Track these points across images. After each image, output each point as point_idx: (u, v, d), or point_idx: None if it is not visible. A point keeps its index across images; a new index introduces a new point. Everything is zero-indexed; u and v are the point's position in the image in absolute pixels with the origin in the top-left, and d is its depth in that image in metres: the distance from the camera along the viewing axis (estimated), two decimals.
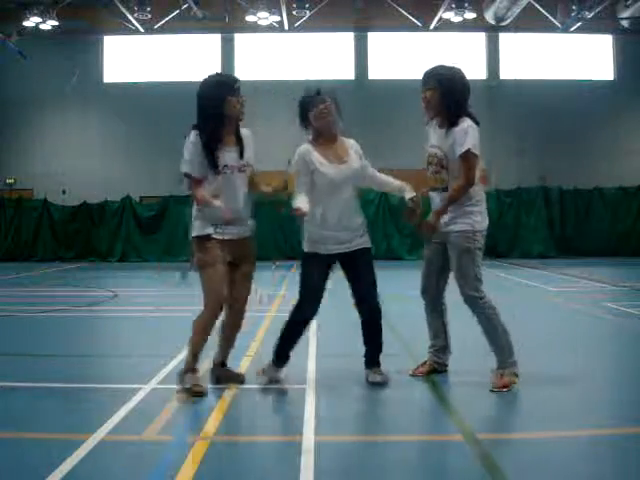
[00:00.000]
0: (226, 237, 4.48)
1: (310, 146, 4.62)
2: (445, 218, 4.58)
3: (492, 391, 4.42)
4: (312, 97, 4.61)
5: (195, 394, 4.34)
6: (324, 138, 4.62)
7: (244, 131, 4.60)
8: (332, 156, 4.60)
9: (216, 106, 4.40)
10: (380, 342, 4.80)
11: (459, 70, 4.67)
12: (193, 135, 4.42)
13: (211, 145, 4.40)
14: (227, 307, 4.61)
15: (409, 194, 4.66)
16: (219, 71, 4.69)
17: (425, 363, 4.94)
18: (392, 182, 4.83)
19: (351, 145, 4.74)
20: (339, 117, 4.66)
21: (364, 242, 4.70)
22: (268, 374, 4.65)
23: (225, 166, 4.43)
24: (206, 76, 4.57)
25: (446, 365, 4.94)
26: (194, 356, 4.47)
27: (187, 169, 4.43)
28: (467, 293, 4.60)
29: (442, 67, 4.66)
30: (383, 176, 4.88)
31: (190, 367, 4.44)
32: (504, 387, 4.44)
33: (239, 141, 4.53)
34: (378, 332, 4.78)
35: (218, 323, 4.61)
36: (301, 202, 4.37)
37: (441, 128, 4.61)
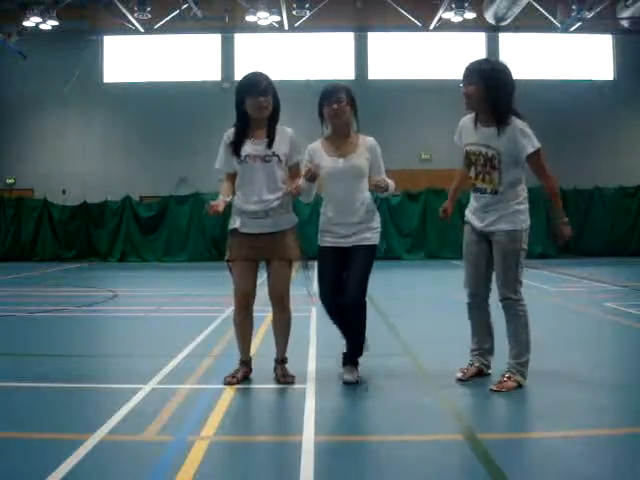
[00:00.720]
0: (247, 230, 4.60)
1: (319, 143, 4.79)
2: (492, 217, 4.52)
3: (492, 390, 4.43)
4: (329, 94, 4.68)
5: (225, 383, 4.63)
6: (335, 135, 4.76)
7: (283, 128, 4.68)
8: (336, 150, 4.72)
9: (237, 104, 4.63)
10: (358, 342, 4.78)
11: (503, 64, 4.52)
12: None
13: (235, 138, 4.62)
14: (271, 303, 4.80)
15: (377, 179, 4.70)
16: (256, 70, 4.72)
17: (471, 366, 4.77)
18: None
19: (365, 142, 4.77)
20: (354, 115, 4.77)
21: (364, 239, 4.69)
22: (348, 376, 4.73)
23: (247, 156, 4.57)
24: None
25: (490, 367, 4.84)
26: (239, 349, 4.79)
27: (216, 163, 4.74)
28: (506, 295, 4.54)
29: (485, 61, 4.53)
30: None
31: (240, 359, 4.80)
32: (505, 389, 4.44)
33: (270, 135, 4.59)
34: (356, 331, 4.76)
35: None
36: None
37: (487, 126, 4.46)
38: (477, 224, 4.63)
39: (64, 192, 20.43)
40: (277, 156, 4.58)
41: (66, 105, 20.86)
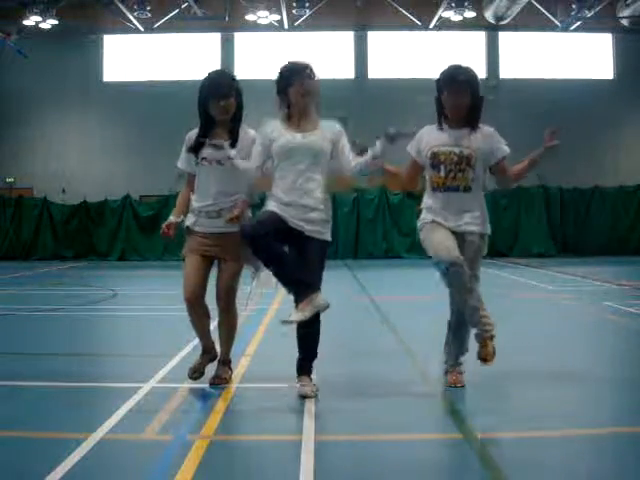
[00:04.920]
0: (200, 229, 4.55)
1: (279, 121, 4.41)
2: (466, 218, 4.49)
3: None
4: (301, 69, 4.31)
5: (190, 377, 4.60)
6: (297, 114, 4.36)
7: (246, 131, 4.58)
8: (294, 126, 4.34)
9: (199, 104, 4.55)
10: (315, 347, 4.44)
11: (472, 68, 4.61)
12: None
13: (196, 138, 4.55)
14: (216, 303, 4.65)
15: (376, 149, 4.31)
16: (220, 69, 4.66)
17: (458, 370, 4.66)
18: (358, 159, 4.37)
19: (328, 125, 4.40)
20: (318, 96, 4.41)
21: (318, 232, 4.28)
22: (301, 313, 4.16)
23: (203, 158, 4.52)
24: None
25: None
26: (199, 340, 4.73)
27: (178, 162, 4.74)
28: None
29: (465, 70, 4.52)
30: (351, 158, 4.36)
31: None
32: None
33: (233, 137, 4.49)
34: (314, 336, 4.38)
35: None
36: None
37: (457, 129, 4.49)
38: (445, 224, 4.52)
39: (64, 191, 20.43)
40: (232, 159, 4.45)
41: (66, 104, 20.86)
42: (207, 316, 4.66)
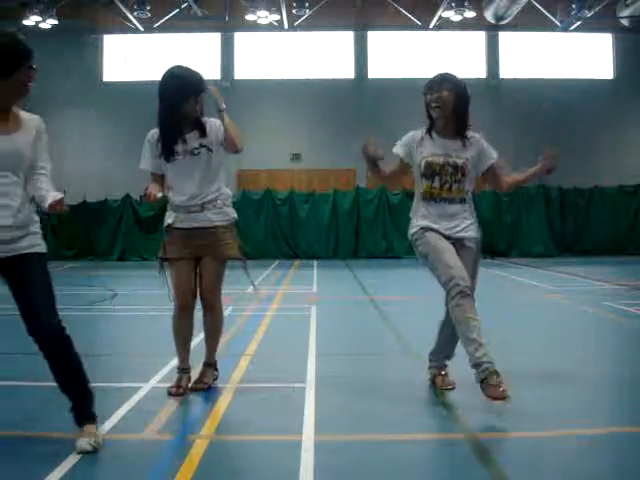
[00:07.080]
0: (181, 225, 4.40)
1: None
2: (463, 224, 4.43)
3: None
4: (27, 50, 3.30)
5: (169, 394, 4.37)
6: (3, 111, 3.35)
7: (210, 119, 4.42)
8: None
9: (176, 102, 4.32)
10: (84, 384, 3.47)
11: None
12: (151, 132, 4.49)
13: (167, 140, 4.37)
14: (201, 302, 4.55)
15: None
16: (182, 65, 4.38)
17: (446, 373, 4.64)
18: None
19: (33, 120, 3.51)
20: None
21: (33, 246, 3.51)
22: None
23: (175, 153, 4.36)
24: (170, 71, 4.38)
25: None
26: (179, 356, 4.60)
27: (141, 164, 4.58)
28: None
29: (451, 74, 4.49)
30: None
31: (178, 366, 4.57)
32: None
33: (200, 126, 4.35)
34: (73, 369, 3.46)
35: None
36: None
37: (447, 138, 4.42)
38: (442, 230, 4.43)
39: (64, 191, 20.39)
40: (206, 147, 4.35)
41: (66, 104, 20.86)
42: (193, 327, 4.58)
